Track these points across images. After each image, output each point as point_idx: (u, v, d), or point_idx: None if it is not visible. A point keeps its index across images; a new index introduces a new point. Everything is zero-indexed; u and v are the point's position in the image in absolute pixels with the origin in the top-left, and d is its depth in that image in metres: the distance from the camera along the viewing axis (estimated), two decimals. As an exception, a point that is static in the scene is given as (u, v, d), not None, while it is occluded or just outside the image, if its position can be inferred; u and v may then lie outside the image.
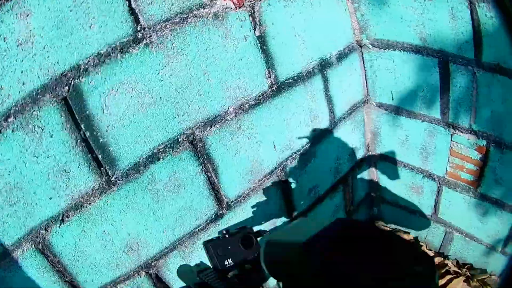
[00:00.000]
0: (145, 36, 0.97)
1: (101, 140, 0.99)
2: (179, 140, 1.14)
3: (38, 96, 0.85)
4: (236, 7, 1.12)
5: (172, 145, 1.13)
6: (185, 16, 1.02)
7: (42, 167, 0.91)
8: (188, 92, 1.11)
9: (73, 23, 0.85)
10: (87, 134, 0.96)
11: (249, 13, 1.17)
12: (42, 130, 0.88)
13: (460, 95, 1.41)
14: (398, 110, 1.62)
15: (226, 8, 1.11)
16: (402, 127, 1.66)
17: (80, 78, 0.90)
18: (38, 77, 0.84)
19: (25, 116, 0.84)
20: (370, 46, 1.54)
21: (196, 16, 1.05)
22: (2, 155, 0.84)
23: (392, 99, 1.61)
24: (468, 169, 1.52)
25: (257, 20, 1.19)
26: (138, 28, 0.95)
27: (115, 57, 0.94)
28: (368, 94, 1.70)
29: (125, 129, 1.02)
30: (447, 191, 1.67)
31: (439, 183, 1.68)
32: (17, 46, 0.80)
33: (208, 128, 1.19)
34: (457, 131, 1.48)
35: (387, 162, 1.85)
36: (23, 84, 0.82)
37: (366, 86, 1.68)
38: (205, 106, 1.16)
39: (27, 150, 0.87)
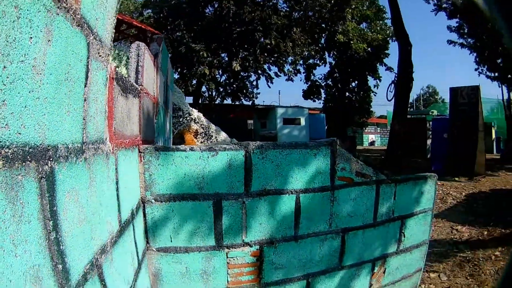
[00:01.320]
0: (85, 150, 0.87)
1: (61, 247, 0.67)
2: (93, 263, 0.87)
3: (28, 157, 0.58)
4: (112, 151, 1.16)
5: (92, 267, 0.85)
6: (98, 145, 0.98)
7: (20, 264, 0.54)
8: (96, 218, 0.94)
9: (62, 96, 0.72)
10: (53, 235, 0.65)
11: (115, 159, 1.20)
12: (23, 208, 0.56)
13: (231, 222, 1.69)
14: (177, 249, 1.71)
15: (110, 149, 1.13)
16: (181, 262, 1.72)
17: (56, 163, 0.68)
18: (34, 130, 0.60)
19: (12, 174, 0.53)
20: (153, 201, 1.64)
21: (101, 150, 1.01)
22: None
23: (171, 241, 1.69)
24: (247, 272, 1.74)
25: (116, 167, 1.22)
26: (83, 140, 0.86)
27: (72, 158, 0.78)
28: (148, 243, 1.71)
29: (73, 240, 0.74)
30: (231, 297, 1.74)
31: (222, 293, 1.74)
32: (33, 66, 0.59)
33: (103, 256, 0.97)
34: (231, 249, 1.71)
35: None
36: (23, 126, 0.56)
37: (147, 236, 1.70)
38: (101, 235, 0.98)
39: (6, 229, 0.51)
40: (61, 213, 0.70)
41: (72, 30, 0.75)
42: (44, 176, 0.64)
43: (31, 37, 0.57)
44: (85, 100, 0.87)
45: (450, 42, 15.37)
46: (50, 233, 0.65)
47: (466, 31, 14.56)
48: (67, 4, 0.71)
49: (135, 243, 1.49)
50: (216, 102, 19.13)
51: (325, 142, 1.87)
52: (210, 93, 18.80)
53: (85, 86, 0.87)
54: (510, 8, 0.54)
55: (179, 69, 16.68)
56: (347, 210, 2.01)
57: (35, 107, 0.60)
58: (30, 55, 0.58)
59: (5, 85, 0.50)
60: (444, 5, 13.90)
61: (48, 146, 0.66)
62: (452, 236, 4.84)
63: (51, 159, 0.67)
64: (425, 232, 2.48)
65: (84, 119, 0.87)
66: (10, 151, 0.53)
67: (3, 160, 0.51)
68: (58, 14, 0.67)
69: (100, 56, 0.99)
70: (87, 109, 0.89)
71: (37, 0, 0.58)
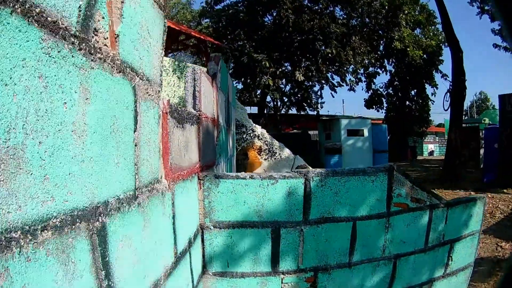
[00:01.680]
0: (138, 195, 0.90)
1: (113, 296, 0.70)
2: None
3: (77, 220, 0.58)
4: (168, 187, 1.21)
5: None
6: (152, 186, 1.02)
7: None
8: (150, 256, 0.96)
9: (110, 150, 0.72)
10: (105, 283, 0.67)
11: (172, 194, 1.25)
12: (75, 266, 0.57)
13: (288, 249, 1.66)
14: (233, 274, 1.71)
15: (166, 187, 1.17)
16: (237, 286, 1.72)
17: (107, 217, 0.70)
18: (82, 193, 0.60)
19: (62, 239, 0.54)
20: (212, 228, 1.65)
21: (156, 189, 1.04)
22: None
23: (228, 266, 1.70)
24: (301, 297, 1.67)
25: (173, 202, 1.25)
26: (136, 185, 0.89)
27: (124, 208, 0.81)
28: (205, 267, 1.73)
29: (125, 282, 0.76)
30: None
31: (278, 319, 1.70)
32: (72, 131, 0.57)
33: (157, 290, 1.00)
34: (286, 275, 1.68)
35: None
36: (69, 193, 0.56)
37: (204, 261, 1.73)
38: (154, 270, 1.01)
39: None
40: (114, 261, 0.71)
41: (113, 79, 0.72)
42: (95, 232, 0.66)
43: (65, 103, 0.54)
44: (135, 145, 0.89)
45: (495, 45, 14.67)
46: (102, 281, 0.66)
47: (507, 32, 13.37)
48: (102, 54, 0.66)
49: (191, 269, 1.51)
50: (281, 112, 18.48)
51: (383, 168, 1.80)
52: (275, 103, 18.17)
53: (134, 132, 0.89)
54: (510, 8, 0.54)
55: (242, 79, 16.42)
56: (400, 236, 1.94)
57: (80, 171, 0.61)
58: (68, 121, 0.55)
59: (44, 160, 0.50)
60: (487, 7, 13.09)
61: (98, 204, 0.68)
62: (497, 254, 4.75)
63: (102, 215, 0.69)
64: (471, 254, 2.40)
65: (136, 165, 0.89)
66: (58, 220, 0.54)
67: (52, 230, 0.53)
68: (93, 68, 0.63)
69: (149, 95, 0.99)
70: (139, 154, 0.92)
71: (65, 62, 0.53)
